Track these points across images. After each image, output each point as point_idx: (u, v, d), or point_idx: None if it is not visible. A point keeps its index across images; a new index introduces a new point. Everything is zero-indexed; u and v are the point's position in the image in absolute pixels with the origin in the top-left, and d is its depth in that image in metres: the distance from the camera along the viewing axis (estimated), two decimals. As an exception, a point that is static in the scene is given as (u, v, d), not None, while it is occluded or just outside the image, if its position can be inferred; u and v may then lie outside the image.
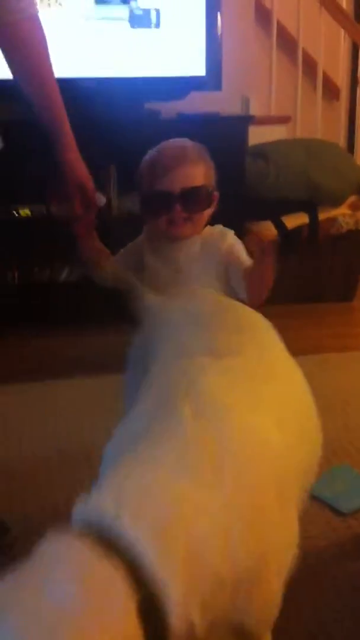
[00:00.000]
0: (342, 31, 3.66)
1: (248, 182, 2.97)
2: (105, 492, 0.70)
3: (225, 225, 1.52)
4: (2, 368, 2.38)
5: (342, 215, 3.19)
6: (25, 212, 2.81)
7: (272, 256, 1.34)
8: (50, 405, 2.22)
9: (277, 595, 0.76)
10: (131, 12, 2.76)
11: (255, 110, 3.35)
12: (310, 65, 3.68)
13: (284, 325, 1.19)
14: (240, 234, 1.54)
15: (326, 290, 3.22)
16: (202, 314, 1.19)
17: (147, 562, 0.63)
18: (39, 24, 1.41)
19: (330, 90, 3.90)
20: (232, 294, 1.46)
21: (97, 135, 2.38)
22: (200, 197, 1.42)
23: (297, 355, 1.12)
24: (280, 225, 3.09)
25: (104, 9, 2.74)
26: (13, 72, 1.43)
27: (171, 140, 1.47)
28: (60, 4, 2.69)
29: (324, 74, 3.69)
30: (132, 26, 2.77)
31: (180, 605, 0.63)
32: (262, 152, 3.14)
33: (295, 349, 1.13)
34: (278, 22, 3.57)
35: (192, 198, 1.40)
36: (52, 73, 1.44)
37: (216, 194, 1.46)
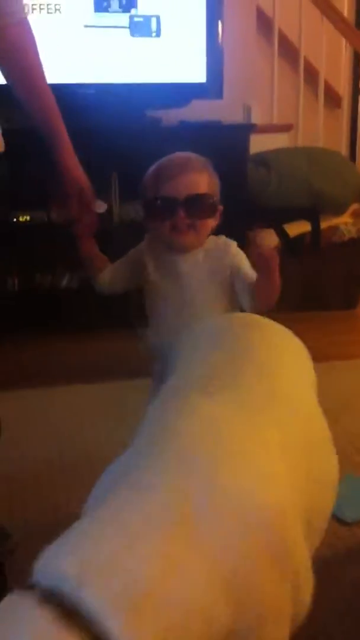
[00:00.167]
0: (343, 39, 3.67)
1: (250, 190, 2.97)
2: (68, 555, 0.64)
3: (227, 232, 1.52)
4: (1, 374, 2.38)
5: (344, 223, 3.19)
6: (25, 217, 2.81)
7: (277, 260, 1.33)
8: (50, 412, 2.22)
9: None
10: (131, 19, 2.76)
11: (257, 118, 3.35)
12: (311, 74, 3.69)
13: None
14: (242, 242, 1.53)
15: (329, 298, 3.21)
16: (217, 334, 1.16)
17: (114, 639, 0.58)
18: (29, 28, 1.44)
19: (332, 98, 3.91)
20: (235, 303, 1.46)
21: (99, 142, 2.39)
22: (204, 205, 1.42)
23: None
24: (282, 233, 3.09)
25: (104, 17, 2.74)
26: (5, 76, 1.47)
27: (175, 153, 1.48)
28: (60, 12, 2.69)
29: (326, 82, 3.70)
30: (133, 34, 2.77)
31: None
32: (264, 160, 3.14)
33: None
34: (280, 31, 3.59)
35: (196, 205, 1.40)
36: (43, 76, 1.46)
37: (220, 207, 1.46)
